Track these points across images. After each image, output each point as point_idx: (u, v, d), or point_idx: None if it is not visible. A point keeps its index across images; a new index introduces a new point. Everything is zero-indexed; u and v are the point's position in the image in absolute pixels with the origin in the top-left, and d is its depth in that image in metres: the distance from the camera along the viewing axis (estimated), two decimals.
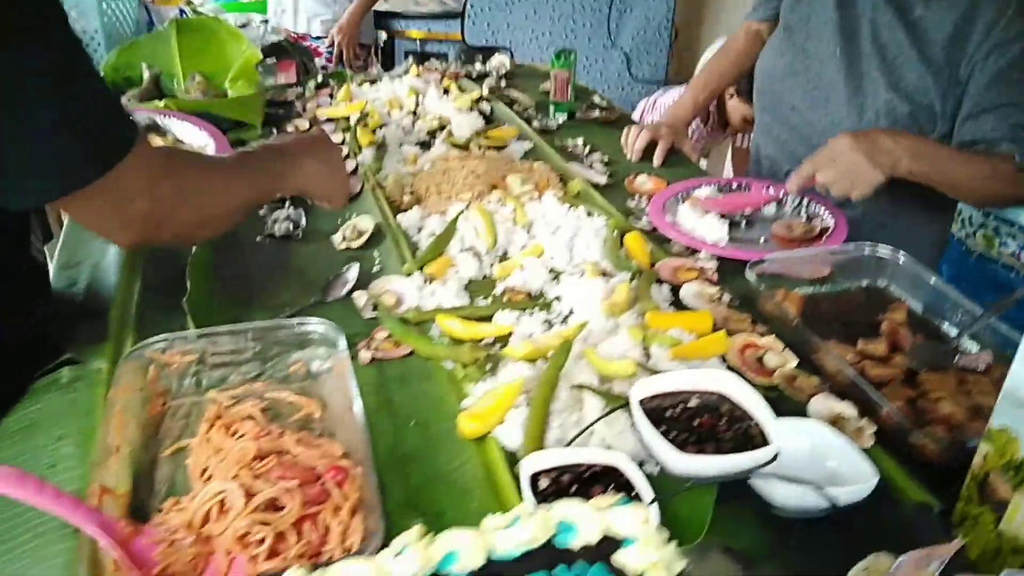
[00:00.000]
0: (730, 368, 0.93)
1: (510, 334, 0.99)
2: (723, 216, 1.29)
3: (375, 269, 1.17)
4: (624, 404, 0.79)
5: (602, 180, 1.49)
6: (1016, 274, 1.63)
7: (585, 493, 0.71)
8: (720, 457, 0.71)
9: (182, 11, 2.97)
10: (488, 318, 1.03)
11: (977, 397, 0.88)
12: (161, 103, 1.57)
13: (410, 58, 2.22)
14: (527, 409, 0.83)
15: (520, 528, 0.50)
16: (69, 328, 0.99)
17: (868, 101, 1.37)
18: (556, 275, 1.14)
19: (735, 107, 2.42)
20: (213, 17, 1.96)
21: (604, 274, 1.12)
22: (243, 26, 2.62)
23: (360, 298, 1.07)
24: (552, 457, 0.75)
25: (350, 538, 0.67)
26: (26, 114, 0.71)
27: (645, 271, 1.14)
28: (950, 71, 1.29)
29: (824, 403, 0.87)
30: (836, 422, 0.84)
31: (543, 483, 0.73)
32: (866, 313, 1.05)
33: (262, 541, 0.66)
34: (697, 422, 0.76)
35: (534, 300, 1.08)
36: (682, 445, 0.72)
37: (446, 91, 1.92)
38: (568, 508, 0.52)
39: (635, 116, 2.56)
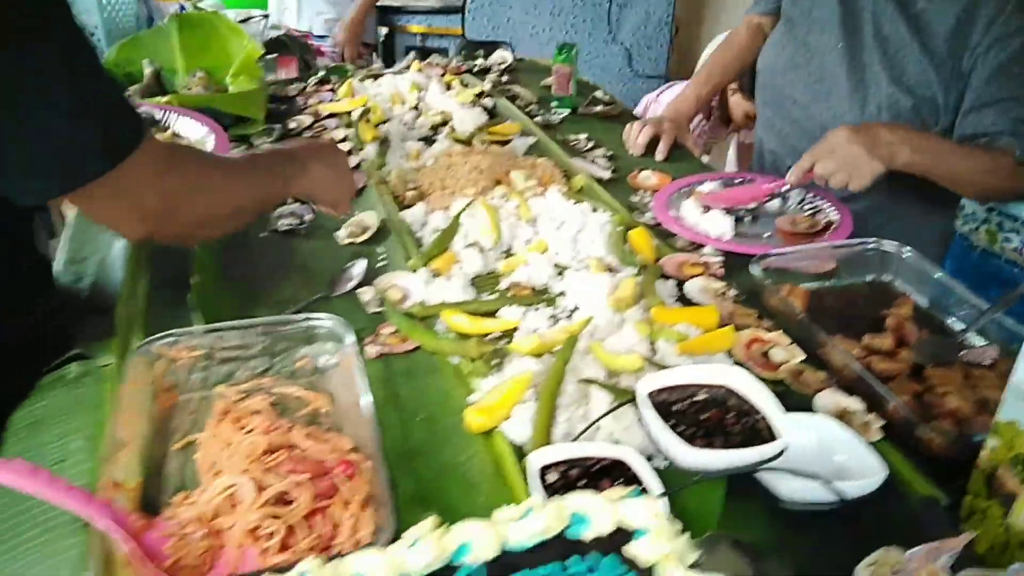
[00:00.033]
0: (736, 363, 0.94)
1: (515, 329, 1.00)
2: (727, 211, 1.29)
3: (380, 265, 1.17)
4: (631, 398, 0.79)
5: (606, 175, 1.49)
6: (1019, 269, 1.64)
7: (593, 487, 0.71)
8: (728, 451, 0.71)
9: (182, 6, 2.97)
10: (493, 313, 1.03)
11: (983, 391, 0.88)
12: (164, 99, 1.57)
13: (412, 53, 2.22)
14: (534, 403, 0.84)
15: (533, 519, 0.50)
16: (76, 324, 0.99)
17: (870, 94, 1.37)
18: (561, 270, 1.14)
19: (737, 103, 2.42)
20: (214, 12, 1.95)
21: (609, 269, 1.12)
22: (243, 21, 2.62)
23: (365, 293, 1.07)
24: (560, 451, 0.75)
25: (361, 531, 0.67)
26: (37, 109, 0.71)
27: (650, 266, 1.14)
28: (952, 64, 1.29)
29: (831, 398, 0.88)
30: (843, 416, 0.84)
31: (551, 477, 0.73)
32: (871, 308, 1.06)
33: (272, 535, 0.66)
34: (705, 416, 0.76)
35: (539, 295, 1.08)
36: (690, 439, 0.72)
37: (448, 86, 1.92)
38: (581, 500, 0.53)
39: (639, 111, 2.56)
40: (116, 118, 0.78)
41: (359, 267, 1.12)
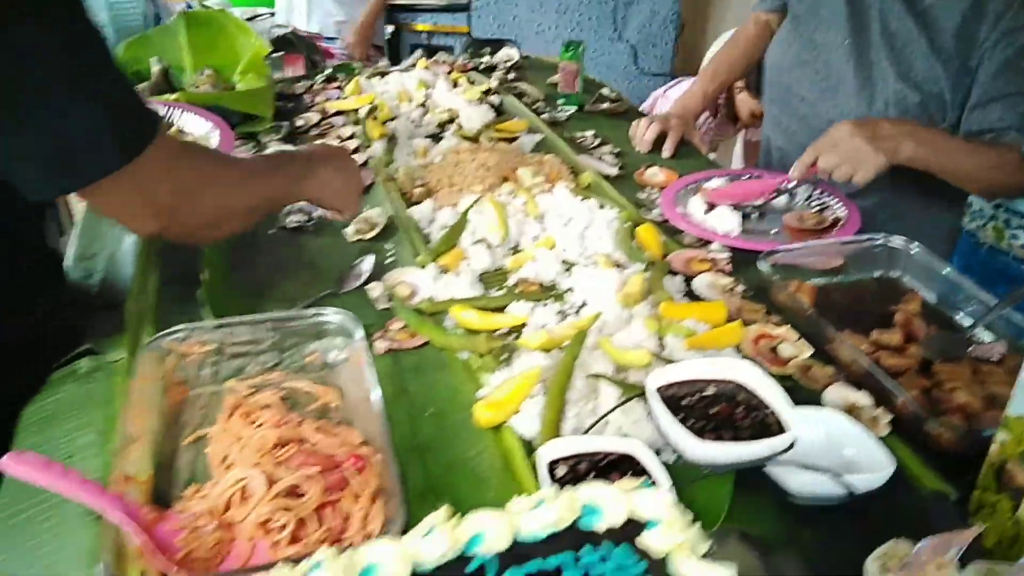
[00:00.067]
0: (744, 358, 0.94)
1: (524, 325, 1.00)
2: (735, 208, 1.29)
3: (388, 261, 1.18)
4: (640, 393, 0.79)
5: (613, 172, 1.49)
6: None
7: (602, 481, 0.71)
8: (737, 445, 0.71)
9: (189, 4, 2.97)
10: (502, 309, 1.03)
11: (991, 387, 0.88)
12: (173, 96, 1.57)
13: (419, 51, 2.22)
14: (543, 398, 0.84)
15: (546, 510, 0.51)
16: (86, 319, 1.00)
17: (878, 91, 1.37)
18: (569, 266, 1.15)
19: (744, 101, 2.42)
20: (221, 10, 1.95)
21: (617, 265, 1.12)
22: (251, 19, 2.62)
23: (374, 289, 1.07)
24: (569, 445, 0.75)
25: (371, 524, 0.68)
26: (49, 103, 0.71)
27: (658, 262, 1.14)
28: (960, 60, 1.29)
29: (839, 392, 0.88)
30: (851, 411, 0.84)
31: (560, 471, 0.73)
32: (879, 304, 1.05)
33: (284, 527, 0.67)
34: (714, 410, 0.76)
35: (547, 291, 1.08)
36: (699, 433, 0.72)
37: (455, 84, 1.92)
38: (593, 491, 0.53)
39: (646, 107, 2.56)
40: (130, 113, 0.78)
41: (367, 263, 1.12)
